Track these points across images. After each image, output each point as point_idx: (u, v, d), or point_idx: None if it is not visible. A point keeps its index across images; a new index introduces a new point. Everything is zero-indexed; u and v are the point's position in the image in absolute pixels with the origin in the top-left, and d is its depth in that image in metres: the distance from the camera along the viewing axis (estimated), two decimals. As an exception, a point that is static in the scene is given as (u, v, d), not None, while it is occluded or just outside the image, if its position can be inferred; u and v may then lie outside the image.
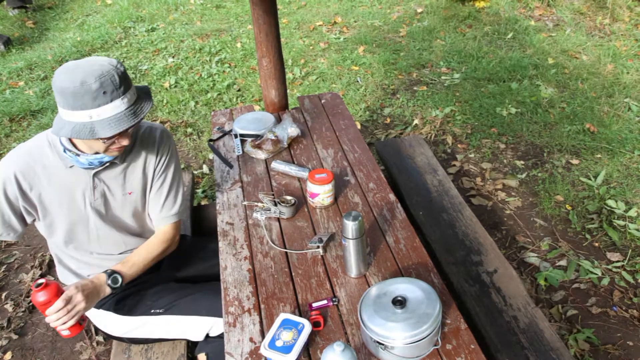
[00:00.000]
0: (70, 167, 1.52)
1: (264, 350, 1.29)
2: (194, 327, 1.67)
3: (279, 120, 2.43)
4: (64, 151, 1.48)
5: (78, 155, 1.48)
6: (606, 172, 3.15)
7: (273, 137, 2.15)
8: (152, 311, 1.68)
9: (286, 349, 1.27)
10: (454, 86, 4.22)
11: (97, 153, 1.49)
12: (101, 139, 1.37)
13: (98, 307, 1.67)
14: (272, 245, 1.69)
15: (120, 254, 1.69)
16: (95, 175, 1.56)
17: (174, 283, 1.77)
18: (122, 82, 1.35)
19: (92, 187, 1.56)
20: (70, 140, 1.46)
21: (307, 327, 1.33)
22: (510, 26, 5.16)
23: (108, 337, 1.82)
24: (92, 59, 1.36)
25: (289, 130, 2.21)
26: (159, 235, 1.67)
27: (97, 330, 2.38)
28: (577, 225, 2.82)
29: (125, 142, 1.44)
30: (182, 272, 1.86)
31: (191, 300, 1.67)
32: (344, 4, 6.02)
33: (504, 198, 3.05)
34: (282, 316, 1.38)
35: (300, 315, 1.42)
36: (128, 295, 1.69)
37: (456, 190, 2.56)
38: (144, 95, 1.45)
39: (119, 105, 1.34)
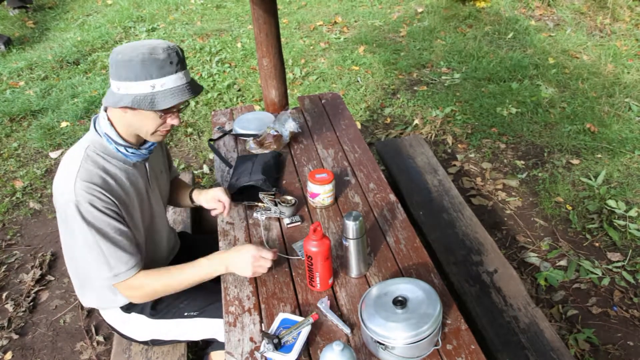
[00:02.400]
0: (134, 164, 1.50)
1: (265, 351, 1.29)
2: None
3: None
4: (117, 150, 1.43)
5: (131, 148, 1.46)
6: (606, 172, 3.15)
7: (275, 133, 2.15)
8: (186, 314, 1.65)
9: (286, 348, 1.28)
10: (455, 86, 4.22)
11: (141, 144, 1.50)
12: (158, 111, 1.37)
13: (129, 311, 1.64)
14: (266, 246, 1.69)
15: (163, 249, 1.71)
16: (146, 162, 1.56)
17: (203, 285, 1.69)
18: (182, 59, 1.38)
19: (147, 176, 1.57)
20: (117, 132, 1.42)
21: (307, 327, 1.33)
22: (511, 26, 5.16)
23: (130, 341, 1.78)
24: (148, 40, 1.38)
25: (288, 125, 2.21)
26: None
27: (98, 330, 2.39)
28: (577, 225, 2.82)
29: (175, 121, 1.45)
30: None
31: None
32: (344, 3, 6.02)
33: (504, 198, 3.05)
34: (281, 316, 1.38)
35: (301, 315, 1.42)
36: (161, 299, 1.65)
37: (456, 190, 2.56)
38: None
39: (181, 78, 1.37)
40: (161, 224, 1.68)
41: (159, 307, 1.66)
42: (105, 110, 1.44)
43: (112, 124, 1.42)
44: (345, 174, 2.01)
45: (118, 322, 1.69)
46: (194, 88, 1.40)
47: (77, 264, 1.51)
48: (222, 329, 1.58)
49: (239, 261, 1.49)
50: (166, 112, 1.40)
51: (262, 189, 1.84)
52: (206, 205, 1.80)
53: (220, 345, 1.67)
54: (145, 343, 1.76)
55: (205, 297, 1.66)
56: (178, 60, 1.35)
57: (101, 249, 1.37)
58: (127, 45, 1.35)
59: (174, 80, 1.35)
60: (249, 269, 1.48)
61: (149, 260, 1.58)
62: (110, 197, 1.38)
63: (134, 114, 1.38)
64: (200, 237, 2.12)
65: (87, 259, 1.40)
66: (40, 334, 2.41)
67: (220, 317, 1.60)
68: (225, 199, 1.75)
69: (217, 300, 1.62)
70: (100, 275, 1.41)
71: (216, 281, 1.72)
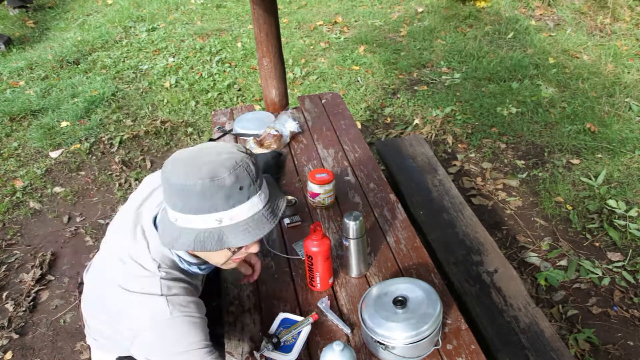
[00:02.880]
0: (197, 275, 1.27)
1: (265, 351, 1.29)
2: None
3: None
4: (189, 269, 1.20)
5: (202, 265, 1.22)
6: (607, 172, 3.15)
7: (275, 133, 2.15)
8: None
9: (286, 348, 1.28)
10: (455, 86, 4.22)
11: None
12: (231, 248, 1.08)
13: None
14: (268, 248, 1.69)
15: None
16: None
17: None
18: (258, 173, 1.06)
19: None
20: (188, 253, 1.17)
21: (307, 327, 1.33)
22: (511, 26, 5.15)
23: None
24: (211, 146, 1.06)
25: (288, 124, 2.21)
26: None
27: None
28: (577, 225, 2.82)
29: (255, 249, 1.15)
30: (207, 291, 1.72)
31: (223, 349, 1.40)
32: (344, 3, 6.01)
33: (505, 198, 3.05)
34: (282, 315, 1.38)
35: (301, 315, 1.42)
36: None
37: (457, 190, 2.56)
38: (271, 187, 1.15)
39: (257, 203, 1.05)
40: None
41: None
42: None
43: None
44: (346, 174, 2.01)
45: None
46: (275, 211, 1.09)
47: (104, 344, 1.32)
48: None
49: None
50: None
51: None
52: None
53: None
54: None
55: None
56: (250, 182, 1.03)
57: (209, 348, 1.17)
58: (183, 162, 1.03)
59: (248, 209, 1.04)
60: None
61: None
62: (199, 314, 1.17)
63: None
64: None
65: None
66: (41, 334, 2.41)
67: None
68: (257, 263, 1.51)
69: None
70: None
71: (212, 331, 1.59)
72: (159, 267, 1.14)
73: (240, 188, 1.01)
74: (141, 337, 1.12)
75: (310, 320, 1.35)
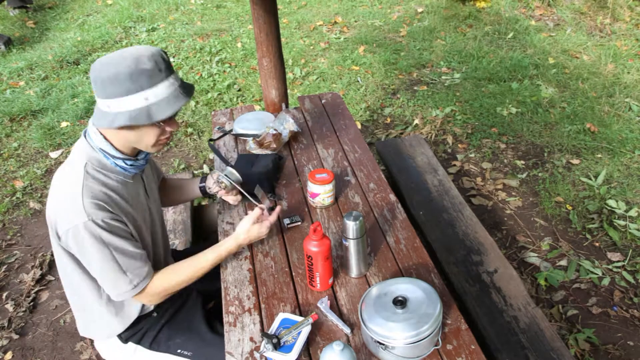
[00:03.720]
0: (133, 176, 1.44)
1: (265, 351, 1.29)
2: None
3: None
4: (115, 165, 1.37)
5: (129, 160, 1.40)
6: (607, 172, 3.15)
7: (274, 132, 2.14)
8: (179, 351, 1.61)
9: (286, 348, 1.28)
10: (455, 86, 4.22)
11: (136, 155, 1.43)
12: (158, 123, 1.32)
13: (126, 342, 1.58)
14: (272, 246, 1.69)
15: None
16: (142, 173, 1.52)
17: (204, 326, 1.65)
18: (169, 62, 1.32)
19: (144, 187, 1.53)
20: (113, 146, 1.36)
21: (307, 326, 1.33)
22: (511, 26, 5.16)
23: None
24: (126, 49, 1.29)
25: (287, 124, 2.21)
26: None
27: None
28: (577, 225, 2.82)
29: (174, 127, 1.40)
30: (207, 288, 1.80)
31: (223, 350, 1.45)
32: (344, 3, 6.02)
33: (505, 198, 3.05)
34: (282, 316, 1.38)
35: (301, 315, 1.42)
36: (163, 327, 1.62)
37: (456, 190, 2.56)
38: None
39: (173, 83, 1.30)
40: (159, 231, 1.64)
41: (158, 339, 1.61)
42: (94, 124, 1.37)
43: (105, 138, 1.35)
44: (346, 174, 2.01)
45: (116, 355, 1.64)
46: (187, 90, 1.35)
47: (80, 291, 1.46)
48: None
49: (241, 231, 1.54)
50: (164, 120, 1.34)
51: (255, 196, 1.82)
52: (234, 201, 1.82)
53: None
54: None
55: (200, 339, 1.61)
56: (166, 66, 1.29)
57: (118, 264, 1.34)
58: (108, 59, 1.25)
59: (167, 87, 1.29)
60: (254, 230, 1.54)
61: (154, 261, 1.56)
62: (118, 212, 1.34)
63: (130, 130, 1.32)
64: (187, 251, 2.09)
65: (105, 276, 1.36)
66: (41, 334, 2.41)
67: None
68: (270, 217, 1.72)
69: (212, 344, 1.58)
70: (120, 290, 1.38)
71: (215, 331, 1.64)
72: (86, 165, 1.34)
73: (159, 70, 1.26)
74: (71, 240, 1.31)
75: (310, 320, 1.35)
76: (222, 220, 1.82)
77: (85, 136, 1.38)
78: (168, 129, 1.38)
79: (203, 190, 1.81)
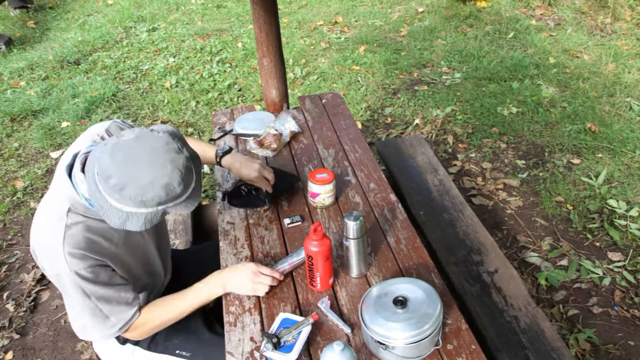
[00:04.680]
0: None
1: (265, 351, 1.29)
2: None
3: None
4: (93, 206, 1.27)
5: None
6: (607, 172, 3.15)
7: (274, 132, 2.14)
8: (177, 352, 1.60)
9: (287, 348, 1.28)
10: (455, 86, 4.22)
11: None
12: None
13: (125, 343, 1.59)
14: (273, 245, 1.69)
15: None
16: None
17: (203, 326, 1.66)
18: (192, 169, 1.20)
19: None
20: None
21: (307, 326, 1.33)
22: (512, 25, 5.15)
23: None
24: (146, 143, 1.14)
25: (288, 124, 2.21)
26: None
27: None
28: (578, 225, 2.82)
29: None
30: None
31: (222, 350, 1.45)
32: (344, 3, 6.02)
33: (505, 198, 3.05)
34: (282, 316, 1.38)
35: (301, 315, 1.42)
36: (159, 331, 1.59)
37: (457, 190, 2.56)
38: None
39: (190, 192, 1.20)
40: (154, 257, 1.59)
41: (156, 340, 1.61)
42: (83, 168, 1.23)
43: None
44: (346, 174, 2.01)
45: (115, 357, 1.63)
46: (196, 195, 1.23)
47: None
48: None
49: (236, 279, 1.46)
50: None
51: (260, 200, 1.81)
52: (249, 177, 1.73)
53: None
54: None
55: (198, 340, 1.61)
56: (190, 182, 1.18)
57: (101, 312, 1.32)
58: (129, 174, 1.10)
59: (186, 195, 1.19)
60: (247, 287, 1.45)
61: (149, 288, 1.55)
62: (102, 257, 1.29)
63: None
64: (189, 251, 2.08)
65: (86, 320, 1.33)
66: (41, 334, 2.41)
67: None
68: (271, 176, 1.75)
69: (211, 344, 1.58)
70: (103, 332, 1.36)
71: (213, 331, 1.64)
72: (69, 210, 1.25)
73: (185, 187, 1.16)
74: (55, 280, 1.28)
75: (311, 320, 1.35)
76: (222, 220, 1.82)
77: (70, 178, 1.26)
78: None
79: (219, 162, 1.77)
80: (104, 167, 1.11)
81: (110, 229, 1.32)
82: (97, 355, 2.26)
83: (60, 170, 1.29)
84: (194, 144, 1.79)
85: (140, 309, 1.40)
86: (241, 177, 1.77)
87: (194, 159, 1.22)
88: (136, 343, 1.60)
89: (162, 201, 1.14)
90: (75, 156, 1.29)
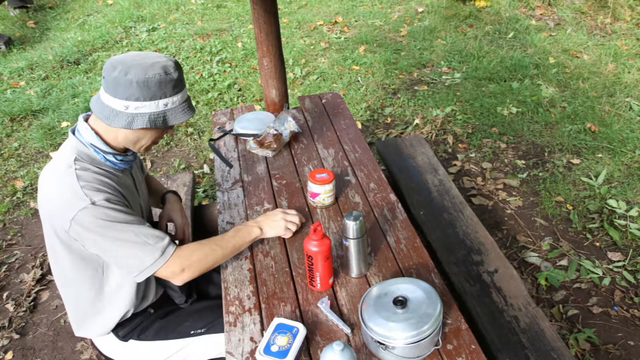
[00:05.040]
0: (122, 172, 1.46)
1: (259, 356, 1.28)
2: None
3: None
4: (105, 159, 1.39)
5: (119, 155, 1.41)
6: (607, 172, 3.15)
7: (274, 132, 2.14)
8: (192, 332, 1.60)
9: (282, 353, 1.27)
10: (455, 86, 4.22)
11: (125, 152, 1.45)
12: (166, 128, 1.42)
13: (126, 339, 1.58)
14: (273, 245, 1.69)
15: None
16: (131, 171, 1.54)
17: (207, 301, 1.68)
18: (183, 77, 1.41)
19: (134, 184, 1.54)
20: (104, 141, 1.38)
21: (302, 331, 1.32)
22: (511, 25, 5.15)
23: None
24: (147, 53, 1.36)
25: (288, 124, 2.21)
26: None
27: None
28: (578, 225, 2.82)
29: (172, 131, 1.50)
30: (205, 289, 1.81)
31: None
32: (344, 3, 6.01)
33: (505, 198, 3.05)
34: (276, 321, 1.37)
35: (301, 316, 1.42)
36: (163, 320, 1.63)
37: (457, 190, 2.56)
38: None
39: (184, 94, 1.39)
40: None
41: (158, 329, 1.61)
42: (86, 120, 1.39)
43: (97, 134, 1.37)
44: (346, 174, 2.01)
45: (115, 353, 1.63)
46: (191, 104, 1.44)
47: (75, 287, 1.45)
48: None
49: (270, 222, 1.63)
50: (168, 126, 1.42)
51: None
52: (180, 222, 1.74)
53: None
54: None
55: (211, 313, 1.63)
56: (183, 78, 1.39)
57: (136, 235, 1.33)
58: (133, 62, 1.29)
59: (181, 97, 1.37)
60: (281, 225, 1.63)
61: None
62: (117, 194, 1.36)
63: (131, 129, 1.36)
64: None
65: (125, 255, 1.34)
66: (41, 334, 2.41)
67: None
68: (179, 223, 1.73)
69: (218, 312, 1.58)
70: (147, 262, 1.34)
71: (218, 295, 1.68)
72: (75, 159, 1.35)
73: (181, 80, 1.36)
74: (79, 227, 1.29)
75: (304, 331, 1.34)
76: (222, 220, 1.82)
77: (74, 134, 1.39)
78: (167, 133, 1.48)
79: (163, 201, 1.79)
80: (107, 69, 1.29)
81: (115, 179, 1.40)
82: (97, 356, 2.26)
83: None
84: (153, 181, 1.88)
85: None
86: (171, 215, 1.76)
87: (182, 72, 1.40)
88: (138, 337, 1.59)
89: (163, 83, 1.30)
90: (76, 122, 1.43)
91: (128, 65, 1.28)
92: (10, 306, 2.54)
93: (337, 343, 1.14)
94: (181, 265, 1.41)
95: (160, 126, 1.35)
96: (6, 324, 2.45)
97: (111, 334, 1.57)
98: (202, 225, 2.58)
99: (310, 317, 1.42)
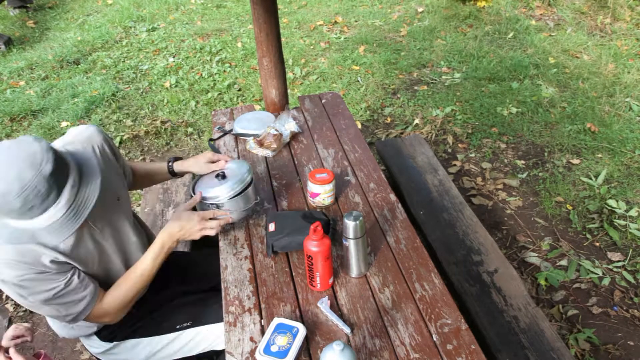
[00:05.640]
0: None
1: (259, 356, 1.28)
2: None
3: None
4: None
5: None
6: (607, 172, 3.15)
7: (275, 132, 2.14)
8: (178, 327, 1.61)
9: (282, 353, 1.27)
10: (455, 86, 4.22)
11: None
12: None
13: (112, 341, 1.57)
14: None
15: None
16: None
17: (193, 295, 1.69)
18: (52, 186, 1.11)
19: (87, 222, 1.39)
20: None
21: (302, 331, 1.32)
22: (511, 26, 5.15)
23: None
24: (10, 151, 1.11)
25: (288, 125, 2.21)
26: None
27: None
28: (577, 225, 2.82)
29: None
30: (192, 286, 1.79)
31: (218, 308, 1.52)
32: (344, 3, 6.01)
33: (505, 198, 3.05)
34: (276, 321, 1.37)
35: (301, 316, 1.42)
36: (148, 316, 1.62)
37: (457, 190, 2.56)
38: (89, 170, 1.23)
39: (54, 214, 1.13)
40: (126, 245, 1.55)
41: (144, 325, 1.60)
42: None
43: None
44: (346, 174, 2.01)
45: (107, 353, 1.61)
46: (79, 211, 1.17)
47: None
48: (221, 334, 1.55)
49: (175, 225, 1.49)
50: None
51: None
52: (201, 170, 1.73)
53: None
54: None
55: (194, 305, 1.63)
56: (41, 200, 1.10)
57: (56, 309, 1.31)
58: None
59: (46, 220, 1.13)
60: (196, 228, 1.49)
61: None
62: (36, 267, 1.24)
63: None
64: (196, 254, 2.07)
65: (48, 314, 1.35)
66: (41, 334, 2.41)
67: (217, 321, 1.58)
68: (220, 155, 1.76)
69: (208, 305, 1.60)
70: (63, 325, 1.40)
71: (207, 289, 1.69)
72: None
73: (31, 208, 1.09)
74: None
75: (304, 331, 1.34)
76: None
77: None
78: None
79: (172, 171, 1.78)
80: None
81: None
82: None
83: None
84: (144, 165, 1.80)
85: (98, 294, 1.38)
86: (198, 172, 1.76)
87: (63, 168, 1.16)
88: (123, 339, 1.58)
89: (5, 210, 1.10)
90: None
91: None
92: (10, 306, 2.54)
93: (337, 343, 1.14)
94: (101, 320, 1.44)
95: (29, 243, 1.21)
96: (6, 324, 2.44)
97: (95, 337, 1.56)
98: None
99: (310, 317, 1.42)
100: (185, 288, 1.77)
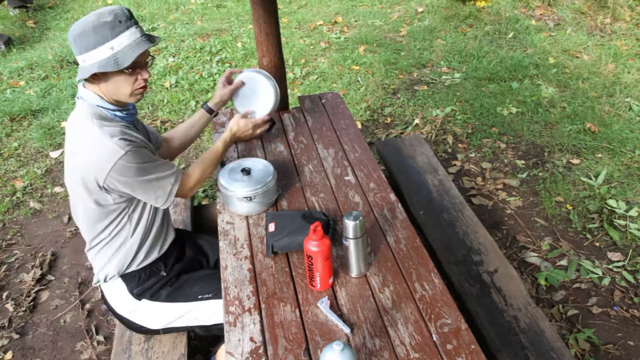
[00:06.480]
0: (129, 126, 1.59)
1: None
2: None
3: (279, 120, 2.43)
4: (114, 115, 1.55)
5: (122, 111, 1.57)
6: (607, 172, 3.15)
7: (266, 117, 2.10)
8: (200, 297, 1.73)
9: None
10: (455, 86, 4.22)
11: (125, 107, 1.60)
12: (127, 69, 1.47)
13: (140, 297, 1.71)
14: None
15: None
16: (137, 127, 1.69)
17: (215, 269, 1.80)
18: (132, 15, 1.48)
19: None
20: (104, 100, 1.53)
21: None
22: (511, 26, 5.15)
23: (143, 332, 1.82)
24: (97, 10, 1.46)
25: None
26: None
27: (98, 330, 2.39)
28: (577, 225, 2.82)
29: (146, 75, 1.54)
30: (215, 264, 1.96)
31: None
32: (344, 3, 6.01)
33: (505, 198, 3.05)
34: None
35: (301, 316, 1.42)
36: (175, 283, 1.76)
37: (457, 190, 2.56)
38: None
39: (135, 32, 1.46)
40: None
41: (169, 291, 1.74)
42: (84, 87, 1.54)
43: (96, 94, 1.52)
44: (346, 174, 2.01)
45: (129, 311, 1.73)
46: (151, 38, 1.50)
47: (110, 228, 1.60)
48: None
49: (235, 125, 1.91)
50: (134, 68, 1.48)
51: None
52: (224, 94, 2.14)
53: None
54: (156, 332, 1.80)
55: (216, 280, 1.70)
56: (126, 18, 1.44)
57: (159, 170, 1.55)
58: (78, 21, 1.44)
59: (129, 36, 1.44)
60: (249, 127, 1.94)
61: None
62: (138, 140, 1.53)
63: (108, 81, 1.48)
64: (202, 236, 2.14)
65: (153, 189, 1.56)
66: (41, 334, 2.41)
67: None
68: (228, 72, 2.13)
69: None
70: (166, 189, 1.58)
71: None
72: (92, 117, 1.50)
73: (120, 22, 1.42)
74: (117, 175, 1.47)
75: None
76: (222, 220, 1.82)
77: (80, 99, 1.55)
78: (141, 77, 1.53)
79: (208, 109, 2.06)
80: (69, 38, 1.44)
81: (130, 130, 1.55)
82: (97, 355, 2.26)
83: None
84: (179, 126, 2.08)
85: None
86: (223, 96, 2.14)
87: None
88: (150, 297, 1.71)
89: (98, 29, 1.39)
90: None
91: (76, 23, 1.43)
92: (10, 306, 2.54)
93: (337, 343, 1.14)
94: (189, 187, 1.68)
95: (113, 69, 1.43)
96: (6, 324, 2.44)
97: (127, 292, 1.70)
98: (202, 225, 2.58)
99: (310, 317, 1.42)
100: (208, 265, 1.94)
